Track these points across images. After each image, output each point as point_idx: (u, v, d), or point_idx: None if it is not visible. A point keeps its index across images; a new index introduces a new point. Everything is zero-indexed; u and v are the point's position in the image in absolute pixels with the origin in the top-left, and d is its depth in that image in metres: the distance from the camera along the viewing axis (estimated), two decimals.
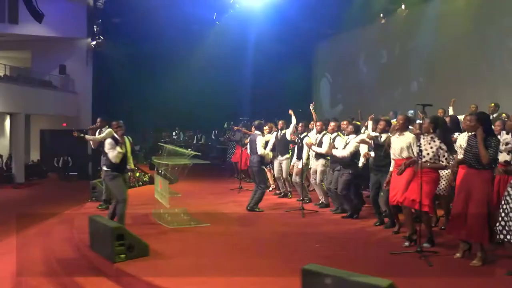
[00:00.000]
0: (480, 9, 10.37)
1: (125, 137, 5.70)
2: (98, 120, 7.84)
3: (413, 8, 11.73)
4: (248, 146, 8.00)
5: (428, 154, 4.84)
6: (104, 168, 5.66)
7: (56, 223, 7.26)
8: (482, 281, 3.91)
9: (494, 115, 7.57)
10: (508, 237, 3.94)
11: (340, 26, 14.35)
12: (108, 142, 5.44)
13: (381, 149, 5.70)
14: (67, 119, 19.16)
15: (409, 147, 5.25)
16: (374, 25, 13.33)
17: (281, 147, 8.20)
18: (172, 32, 15.15)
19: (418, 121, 6.84)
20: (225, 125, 18.41)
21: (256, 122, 7.67)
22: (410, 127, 5.88)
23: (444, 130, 5.12)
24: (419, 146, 4.76)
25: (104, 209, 7.21)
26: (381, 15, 12.64)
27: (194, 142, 16.49)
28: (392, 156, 5.41)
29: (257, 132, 7.60)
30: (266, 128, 8.96)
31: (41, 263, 5.13)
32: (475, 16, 10.37)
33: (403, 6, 11.76)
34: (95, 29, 14.75)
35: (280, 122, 8.40)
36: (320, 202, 7.56)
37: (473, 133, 4.42)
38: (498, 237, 4.04)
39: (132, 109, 16.66)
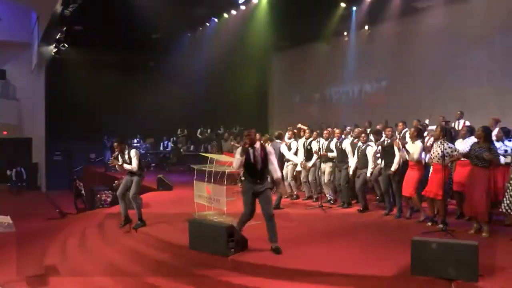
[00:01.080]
0: (431, 32, 12.90)
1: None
2: (115, 145, 7.92)
3: (375, 28, 13.98)
4: None
5: (439, 154, 6.66)
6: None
7: (97, 231, 7.90)
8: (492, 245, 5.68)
9: (460, 121, 9.83)
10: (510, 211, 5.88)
11: (301, 40, 16.21)
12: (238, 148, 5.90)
13: (389, 149, 7.51)
14: (7, 127, 18.52)
15: (419, 152, 7.09)
16: (338, 41, 15.38)
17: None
18: (135, 42, 15.69)
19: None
20: (178, 132, 19.17)
21: (277, 133, 9.07)
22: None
23: (451, 136, 7.01)
24: (442, 149, 6.57)
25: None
26: (345, 33, 14.75)
27: (161, 149, 17.09)
28: (409, 158, 7.20)
29: (278, 141, 9.22)
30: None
31: (139, 264, 5.96)
32: (426, 37, 12.87)
33: (366, 27, 13.95)
34: (58, 36, 14.75)
35: (289, 132, 9.93)
36: (329, 199, 9.15)
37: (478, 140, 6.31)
38: (504, 210, 5.92)
39: (92, 117, 16.77)
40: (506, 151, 6.56)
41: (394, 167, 7.42)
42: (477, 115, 10.63)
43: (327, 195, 9.18)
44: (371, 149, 7.99)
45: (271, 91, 20.21)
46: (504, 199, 5.97)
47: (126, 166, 7.60)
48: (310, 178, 9.32)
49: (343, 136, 9.12)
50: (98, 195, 13.23)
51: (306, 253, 5.54)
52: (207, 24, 15.44)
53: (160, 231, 6.88)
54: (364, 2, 13.56)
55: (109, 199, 13.12)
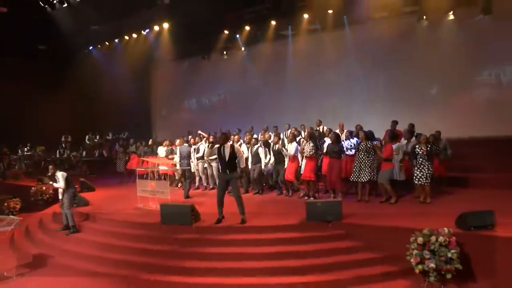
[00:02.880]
0: (295, 55, 17.50)
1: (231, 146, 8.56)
2: (50, 167, 10.23)
3: (250, 50, 18.08)
4: (179, 154, 12.45)
5: (309, 150, 10.77)
6: None
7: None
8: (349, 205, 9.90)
9: (320, 127, 14.25)
10: (358, 179, 10.20)
11: (186, 56, 19.54)
12: None
13: (278, 151, 11.46)
14: None
15: (294, 151, 11.14)
16: (218, 58, 19.15)
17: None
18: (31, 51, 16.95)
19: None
20: (62, 139, 20.56)
21: (185, 138, 12.79)
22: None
23: (315, 139, 11.24)
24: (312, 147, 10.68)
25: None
26: (225, 52, 18.60)
27: (58, 156, 18.47)
28: (289, 154, 11.19)
29: (185, 144, 12.41)
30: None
31: (124, 240, 8.65)
32: (291, 58, 17.45)
33: (242, 48, 17.98)
34: None
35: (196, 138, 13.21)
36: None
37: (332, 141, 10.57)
38: (352, 180, 10.26)
39: None
40: (351, 145, 10.96)
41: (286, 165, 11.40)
42: (330, 121, 15.25)
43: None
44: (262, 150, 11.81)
45: (154, 100, 23.06)
46: (353, 173, 10.31)
47: (55, 185, 9.95)
48: None
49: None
50: (6, 204, 14.33)
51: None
52: (107, 43, 17.77)
53: (124, 217, 9.58)
54: (244, 29, 17.57)
55: (18, 206, 14.33)
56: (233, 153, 8.58)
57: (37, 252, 9.06)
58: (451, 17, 14.40)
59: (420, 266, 6.71)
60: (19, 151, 18.77)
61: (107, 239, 8.88)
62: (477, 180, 11.35)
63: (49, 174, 10.10)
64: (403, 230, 7.43)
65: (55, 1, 14.75)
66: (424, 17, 14.64)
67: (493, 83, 14.25)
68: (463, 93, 14.48)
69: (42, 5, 14.81)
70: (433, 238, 6.74)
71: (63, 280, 7.77)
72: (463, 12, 14.22)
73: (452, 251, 6.64)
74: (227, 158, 8.57)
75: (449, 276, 6.61)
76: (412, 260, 6.81)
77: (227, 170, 8.63)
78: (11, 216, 8.28)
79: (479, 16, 13.72)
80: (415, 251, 6.81)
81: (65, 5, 14.62)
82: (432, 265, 6.61)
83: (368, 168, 10.10)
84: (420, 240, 6.81)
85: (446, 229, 6.87)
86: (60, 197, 10.04)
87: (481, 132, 13.47)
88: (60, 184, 9.84)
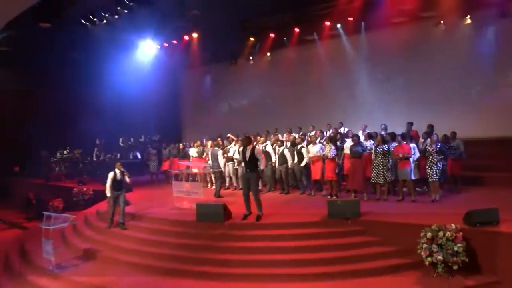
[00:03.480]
0: (317, 58, 18.48)
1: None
2: (118, 164, 11.36)
3: (275, 54, 19.14)
4: (210, 157, 13.56)
5: (329, 151, 11.67)
6: None
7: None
8: (368, 204, 10.80)
9: (341, 128, 15.11)
10: (376, 180, 11.07)
11: (213, 61, 20.76)
12: None
13: (300, 152, 12.43)
14: None
15: (319, 150, 12.06)
16: (244, 63, 20.31)
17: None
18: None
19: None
20: (97, 142, 21.95)
21: (215, 142, 13.82)
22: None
23: (336, 141, 12.14)
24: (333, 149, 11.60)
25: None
26: (251, 57, 19.69)
27: (94, 159, 19.89)
28: (311, 155, 12.12)
29: (216, 148, 13.44)
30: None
31: (166, 236, 9.79)
32: (314, 62, 18.46)
33: (268, 54, 19.05)
34: None
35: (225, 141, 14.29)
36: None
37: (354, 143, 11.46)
38: (373, 182, 11.12)
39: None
40: (367, 147, 11.78)
41: (304, 163, 12.35)
42: (352, 121, 16.09)
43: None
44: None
45: (183, 105, 24.40)
46: (372, 175, 11.19)
47: (127, 179, 11.17)
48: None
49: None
50: (50, 203, 15.72)
51: (267, 216, 10.00)
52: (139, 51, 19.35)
53: (164, 216, 10.74)
54: (269, 36, 18.67)
55: (61, 206, 15.68)
56: (253, 155, 9.64)
57: (87, 247, 10.29)
58: (468, 21, 15.02)
59: (429, 259, 7.58)
60: (58, 153, 20.21)
61: (150, 235, 10.04)
62: (489, 179, 12.10)
63: (120, 171, 10.89)
64: (415, 226, 8.28)
65: (95, 19, 16.13)
66: (442, 21, 15.30)
67: None
68: (484, 95, 15.08)
69: (84, 22, 16.21)
70: (440, 233, 7.61)
71: (112, 271, 8.95)
72: (480, 16, 14.80)
73: (458, 245, 7.49)
74: (247, 159, 9.69)
75: (455, 267, 7.46)
76: (422, 253, 7.69)
77: (248, 170, 9.75)
78: (65, 214, 9.52)
79: (496, 19, 14.30)
80: (424, 245, 7.69)
81: (104, 21, 15.98)
82: (440, 257, 7.47)
83: (386, 171, 10.97)
84: (429, 235, 7.69)
85: (453, 225, 7.73)
86: (109, 195, 10.93)
87: (501, 132, 13.99)
88: (128, 179, 11.16)
